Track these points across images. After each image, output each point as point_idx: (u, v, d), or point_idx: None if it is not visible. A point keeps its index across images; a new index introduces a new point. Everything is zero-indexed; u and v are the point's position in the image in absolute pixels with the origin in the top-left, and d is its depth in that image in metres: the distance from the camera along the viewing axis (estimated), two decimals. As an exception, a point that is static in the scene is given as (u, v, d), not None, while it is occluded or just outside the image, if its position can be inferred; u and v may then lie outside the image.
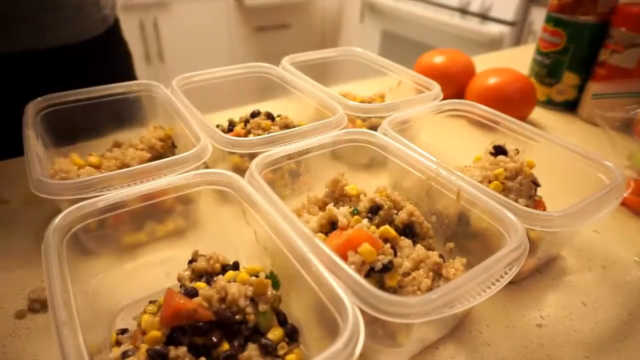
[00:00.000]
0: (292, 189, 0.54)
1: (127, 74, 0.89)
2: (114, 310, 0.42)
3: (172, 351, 0.32)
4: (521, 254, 0.37)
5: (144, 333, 0.34)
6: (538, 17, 1.87)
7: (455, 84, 0.87)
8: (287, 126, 0.63)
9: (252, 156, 0.48)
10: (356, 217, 0.45)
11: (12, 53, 0.70)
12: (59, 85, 0.69)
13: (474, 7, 2.06)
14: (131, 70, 0.90)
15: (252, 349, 0.34)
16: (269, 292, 0.36)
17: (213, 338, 0.34)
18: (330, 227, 0.45)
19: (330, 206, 0.46)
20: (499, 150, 0.53)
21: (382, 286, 0.39)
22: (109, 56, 0.84)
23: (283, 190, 0.52)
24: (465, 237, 0.46)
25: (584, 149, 0.52)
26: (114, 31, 0.85)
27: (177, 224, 0.50)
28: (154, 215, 0.46)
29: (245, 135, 0.62)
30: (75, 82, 0.73)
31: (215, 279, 0.37)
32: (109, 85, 0.62)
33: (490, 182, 0.50)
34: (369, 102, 0.75)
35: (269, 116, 0.65)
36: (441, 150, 0.57)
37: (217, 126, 0.64)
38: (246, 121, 0.65)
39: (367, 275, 0.39)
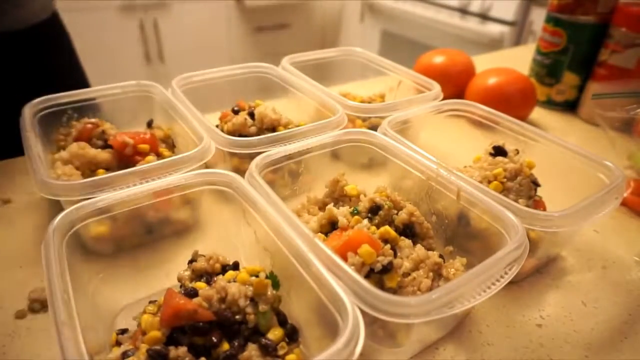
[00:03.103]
0: (292, 189, 0.54)
1: (73, 62, 0.88)
2: (114, 310, 0.42)
3: (172, 351, 0.32)
4: (521, 254, 0.37)
5: (144, 333, 0.34)
6: (538, 17, 1.87)
7: (455, 84, 0.87)
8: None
9: (252, 156, 0.48)
10: (356, 217, 0.44)
11: None
12: (5, 74, 0.68)
13: (474, 7, 2.06)
14: (76, 57, 0.89)
15: (252, 349, 0.34)
16: (269, 292, 0.36)
17: (213, 338, 0.34)
18: (330, 227, 0.45)
19: (330, 206, 0.46)
20: (498, 151, 0.53)
21: (382, 287, 0.39)
22: (53, 44, 0.83)
23: (283, 190, 0.52)
24: (465, 237, 0.46)
25: (584, 149, 0.52)
26: (56, 19, 0.84)
27: (177, 223, 0.50)
28: (154, 215, 0.46)
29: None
30: (21, 70, 0.73)
31: (215, 279, 0.38)
32: (108, 86, 0.62)
33: (489, 182, 0.50)
34: (369, 102, 0.75)
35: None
36: (441, 150, 0.57)
37: (217, 126, 0.64)
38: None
39: (366, 276, 0.39)
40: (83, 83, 0.89)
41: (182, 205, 0.48)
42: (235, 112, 0.66)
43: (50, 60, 0.81)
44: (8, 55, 0.74)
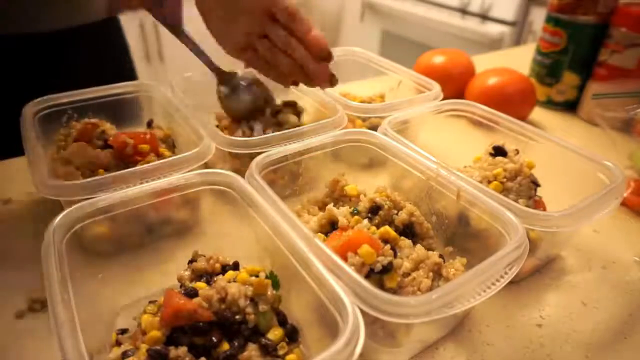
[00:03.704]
0: (292, 189, 0.54)
1: (127, 63, 0.89)
2: (114, 310, 0.42)
3: (172, 351, 0.32)
4: (521, 254, 0.37)
5: (144, 333, 0.34)
6: (538, 17, 1.87)
7: (455, 84, 0.87)
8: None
9: (252, 156, 0.48)
10: (356, 217, 0.44)
11: (15, 35, 0.68)
12: (56, 70, 0.69)
13: (474, 7, 2.07)
14: (130, 60, 0.90)
15: (252, 349, 0.34)
16: (269, 292, 0.36)
17: (213, 338, 0.34)
18: (330, 227, 0.45)
19: (330, 206, 0.46)
20: (498, 151, 0.53)
21: (382, 287, 0.39)
22: (110, 42, 0.84)
23: (283, 190, 0.52)
24: (465, 237, 0.46)
25: (584, 149, 0.52)
26: (116, 18, 0.85)
27: (177, 223, 0.50)
28: (154, 215, 0.46)
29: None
30: (75, 66, 0.74)
31: (215, 279, 0.38)
32: (108, 86, 0.62)
33: (489, 182, 0.50)
34: (369, 102, 0.75)
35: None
36: (441, 150, 0.57)
37: (217, 126, 0.64)
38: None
39: (366, 276, 0.39)
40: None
41: (182, 205, 0.48)
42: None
43: (107, 56, 0.82)
44: (70, 49, 0.74)
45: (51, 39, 0.71)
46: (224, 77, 0.62)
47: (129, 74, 0.89)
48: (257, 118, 0.62)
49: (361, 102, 0.74)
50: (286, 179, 0.53)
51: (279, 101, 0.66)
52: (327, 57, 0.52)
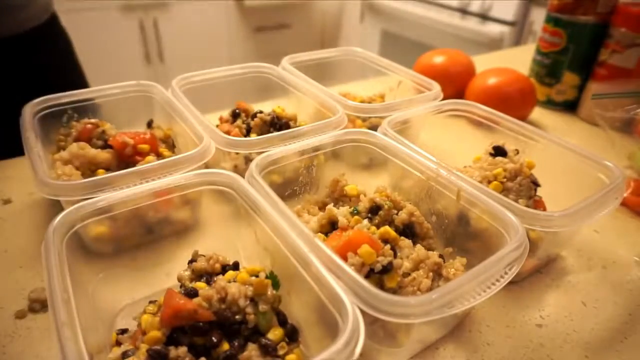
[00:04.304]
0: (292, 189, 0.54)
1: (72, 63, 0.88)
2: (114, 310, 0.42)
3: (172, 351, 0.32)
4: (521, 254, 0.37)
5: (144, 333, 0.34)
6: (538, 17, 1.87)
7: (455, 84, 0.87)
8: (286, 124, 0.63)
9: (252, 156, 0.48)
10: (356, 217, 0.45)
11: None
12: (5, 76, 0.69)
13: (474, 7, 2.06)
14: (75, 58, 0.89)
15: (252, 349, 0.34)
16: (269, 292, 0.36)
17: (213, 338, 0.34)
18: (330, 227, 0.45)
19: (330, 206, 0.46)
20: (498, 151, 0.53)
21: (382, 287, 0.39)
22: (53, 45, 0.83)
23: (283, 190, 0.52)
24: (465, 237, 0.46)
25: (584, 149, 0.52)
26: (55, 21, 0.84)
27: (177, 223, 0.50)
28: (154, 215, 0.46)
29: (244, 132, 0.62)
30: (21, 72, 0.74)
31: (215, 279, 0.37)
32: (108, 86, 0.62)
33: (489, 182, 0.50)
34: (369, 102, 0.75)
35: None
36: (441, 150, 0.57)
37: (217, 126, 0.64)
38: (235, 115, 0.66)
39: (366, 277, 0.39)
40: (82, 84, 0.89)
41: (182, 205, 0.48)
42: (235, 115, 0.66)
43: (49, 61, 0.81)
44: (7, 58, 0.74)
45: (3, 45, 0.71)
46: None
47: (76, 78, 0.88)
48: None
49: (361, 102, 0.74)
50: (286, 179, 0.53)
51: (269, 107, 0.65)
52: None
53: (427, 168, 0.48)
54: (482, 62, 0.94)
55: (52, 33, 0.83)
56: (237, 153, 0.56)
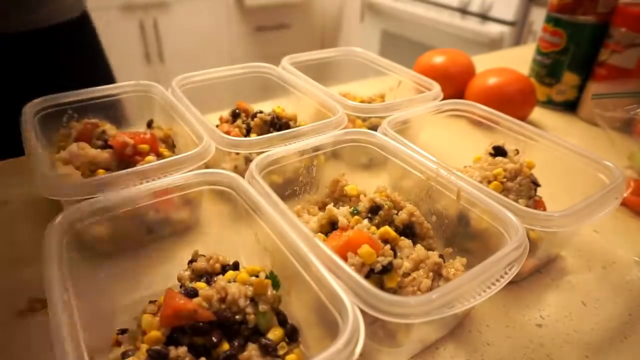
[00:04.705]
0: (292, 189, 0.54)
1: (101, 60, 0.90)
2: (114, 310, 0.42)
3: (172, 351, 0.32)
4: (521, 254, 0.37)
5: (144, 333, 0.34)
6: (538, 17, 1.87)
7: (455, 84, 0.87)
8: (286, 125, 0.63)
9: (252, 156, 0.48)
10: (356, 217, 0.45)
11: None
12: (35, 68, 0.70)
13: (474, 7, 2.06)
14: (104, 54, 0.91)
15: (252, 349, 0.34)
16: (269, 292, 0.36)
17: (213, 338, 0.34)
18: (330, 227, 0.45)
19: (330, 206, 0.46)
20: (498, 151, 0.53)
21: (382, 287, 0.39)
22: (85, 39, 0.85)
23: (283, 190, 0.52)
24: (465, 237, 0.46)
25: (584, 149, 0.52)
26: (87, 16, 0.86)
27: (177, 223, 0.50)
28: (154, 215, 0.46)
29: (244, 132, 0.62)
30: (52, 64, 0.76)
31: (215, 279, 0.38)
32: (108, 86, 0.62)
33: (489, 182, 0.50)
34: (369, 102, 0.75)
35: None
36: (441, 150, 0.57)
37: (217, 126, 0.64)
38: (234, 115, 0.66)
39: (366, 277, 0.39)
40: (110, 79, 0.91)
41: (182, 205, 0.48)
42: (235, 115, 0.66)
43: (80, 55, 0.83)
44: (39, 50, 0.75)
45: (22, 40, 0.72)
46: None
47: (105, 73, 0.90)
48: None
49: (361, 102, 0.74)
50: (286, 179, 0.53)
51: (269, 107, 0.65)
52: None
53: (427, 168, 0.48)
54: (482, 62, 0.94)
55: (85, 27, 0.85)
56: (237, 153, 0.56)
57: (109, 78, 0.91)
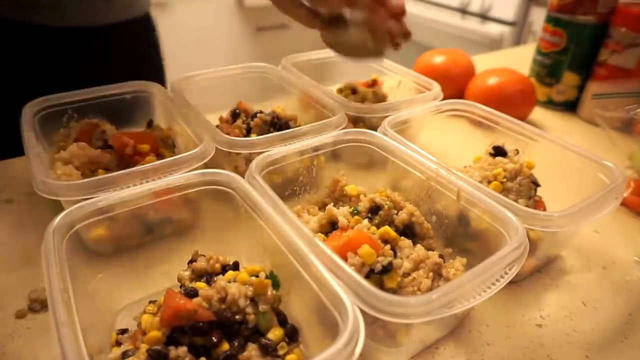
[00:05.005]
0: (292, 189, 0.54)
1: (159, 58, 0.94)
2: (114, 310, 0.42)
3: (172, 351, 0.32)
4: (521, 254, 0.37)
5: (144, 333, 0.34)
6: (538, 17, 1.87)
7: (455, 84, 0.87)
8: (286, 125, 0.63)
9: (252, 156, 0.48)
10: (356, 217, 0.45)
11: (60, 28, 0.71)
12: (100, 62, 0.73)
13: (474, 7, 2.07)
14: (160, 57, 0.95)
15: (252, 349, 0.34)
16: (269, 292, 0.36)
17: (213, 338, 0.34)
18: (330, 227, 0.45)
19: (330, 206, 0.46)
20: (498, 151, 0.53)
21: (382, 287, 0.39)
22: (149, 37, 0.89)
23: (283, 190, 0.52)
24: (465, 237, 0.46)
25: (584, 149, 0.52)
26: (150, 16, 0.88)
27: (177, 223, 0.50)
28: (154, 215, 0.46)
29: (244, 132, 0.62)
30: (118, 59, 0.78)
31: (215, 279, 0.37)
32: (108, 86, 0.62)
33: (489, 182, 0.50)
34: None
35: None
36: (441, 150, 0.57)
37: (217, 126, 0.64)
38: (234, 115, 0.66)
39: (366, 277, 0.39)
40: (163, 80, 0.94)
41: (182, 205, 0.48)
42: (235, 115, 0.66)
43: (147, 52, 0.87)
44: (108, 44, 0.77)
45: (83, 34, 0.74)
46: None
47: (158, 72, 0.92)
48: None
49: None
50: (286, 179, 0.53)
51: (269, 107, 0.65)
52: (402, 13, 0.53)
53: (427, 168, 0.48)
54: (482, 62, 0.94)
55: (151, 26, 0.88)
56: (237, 153, 0.56)
57: (162, 75, 0.95)
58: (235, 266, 0.41)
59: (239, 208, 0.43)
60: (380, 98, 0.74)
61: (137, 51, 0.84)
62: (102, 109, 0.62)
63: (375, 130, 0.55)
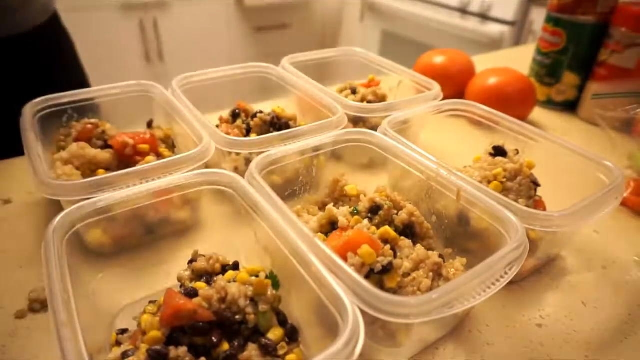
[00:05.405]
0: (292, 189, 0.54)
1: (74, 62, 0.89)
2: (114, 310, 0.42)
3: (172, 351, 0.32)
4: (521, 254, 0.37)
5: (144, 333, 0.34)
6: (538, 17, 1.87)
7: (455, 84, 0.87)
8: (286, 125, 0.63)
9: (252, 156, 0.48)
10: (356, 217, 0.44)
11: None
12: (8, 76, 0.70)
13: (474, 7, 2.06)
14: (77, 57, 0.90)
15: (252, 349, 0.34)
16: (269, 292, 0.36)
17: (213, 338, 0.34)
18: (330, 227, 0.45)
19: (330, 206, 0.46)
20: (498, 151, 0.53)
21: (382, 287, 0.39)
22: (55, 45, 0.84)
23: (283, 190, 0.52)
24: (465, 237, 0.46)
25: (584, 149, 0.52)
26: (56, 20, 0.85)
27: (177, 223, 0.50)
28: (154, 215, 0.46)
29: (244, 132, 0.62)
30: (23, 72, 0.75)
31: (215, 279, 0.37)
32: (108, 86, 0.62)
33: (489, 182, 0.50)
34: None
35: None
36: (441, 150, 0.57)
37: (217, 126, 0.64)
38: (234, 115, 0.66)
39: (366, 277, 0.39)
40: (84, 83, 0.90)
41: (182, 205, 0.48)
42: (235, 115, 0.66)
43: (51, 61, 0.82)
44: (8, 58, 0.75)
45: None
46: None
47: (78, 77, 0.89)
48: None
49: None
50: (286, 179, 0.53)
51: (269, 107, 0.65)
52: None
53: (427, 168, 0.48)
54: (482, 62, 0.94)
55: (53, 33, 0.83)
56: (237, 153, 0.56)
57: (83, 79, 0.90)
58: (235, 266, 0.41)
59: (239, 208, 0.43)
60: (380, 98, 0.74)
61: (48, 57, 0.81)
62: (102, 109, 0.62)
63: (375, 130, 0.55)
